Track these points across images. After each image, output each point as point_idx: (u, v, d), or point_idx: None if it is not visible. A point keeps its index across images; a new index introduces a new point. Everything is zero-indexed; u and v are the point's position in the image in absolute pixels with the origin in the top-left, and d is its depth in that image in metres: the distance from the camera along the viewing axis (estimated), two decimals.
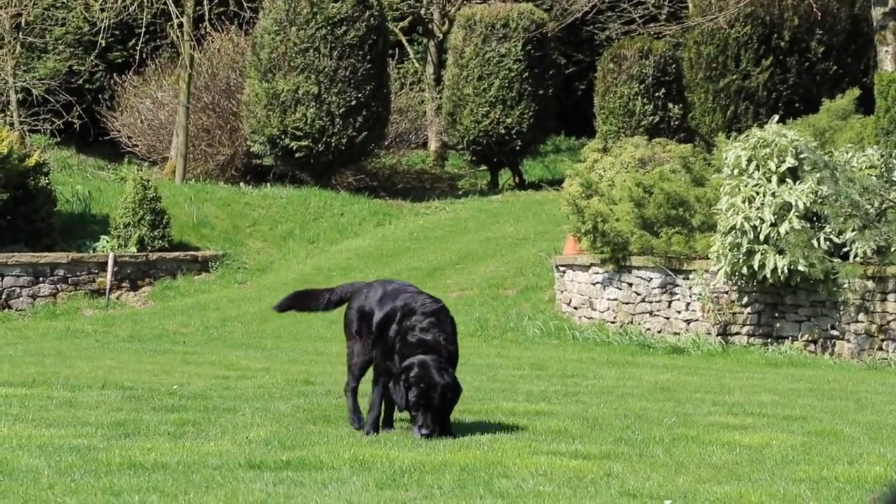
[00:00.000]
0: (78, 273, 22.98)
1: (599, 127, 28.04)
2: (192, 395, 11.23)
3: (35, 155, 23.83)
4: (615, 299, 18.66)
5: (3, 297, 22.47)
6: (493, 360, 15.26)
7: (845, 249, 16.84)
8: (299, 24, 27.91)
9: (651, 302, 18.30)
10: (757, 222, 16.86)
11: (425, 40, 35.12)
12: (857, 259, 16.69)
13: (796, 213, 16.75)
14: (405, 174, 32.01)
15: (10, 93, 30.10)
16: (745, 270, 17.02)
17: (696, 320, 17.90)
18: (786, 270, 16.71)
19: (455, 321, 9.54)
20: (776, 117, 18.56)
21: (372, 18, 28.16)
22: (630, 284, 18.52)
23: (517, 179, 30.69)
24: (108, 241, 23.70)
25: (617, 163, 20.84)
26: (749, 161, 17.18)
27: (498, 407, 10.68)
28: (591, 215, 18.47)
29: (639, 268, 18.37)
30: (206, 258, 24.28)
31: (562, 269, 19.63)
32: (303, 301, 10.32)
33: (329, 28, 27.83)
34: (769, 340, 17.38)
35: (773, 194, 16.91)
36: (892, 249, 16.68)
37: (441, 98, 31.59)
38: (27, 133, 29.70)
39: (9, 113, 29.44)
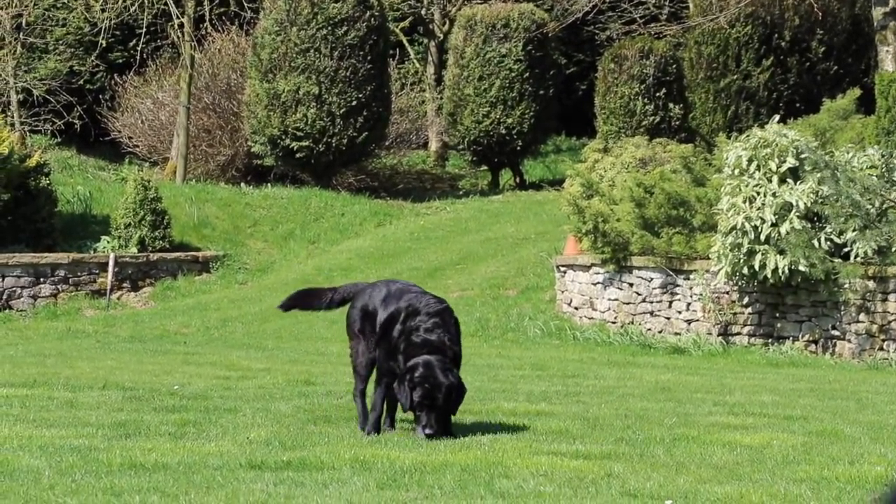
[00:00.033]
0: (79, 273, 22.98)
1: (600, 127, 28.04)
2: (193, 395, 11.23)
3: (36, 155, 23.84)
4: (616, 299, 18.66)
5: (4, 297, 22.48)
6: (493, 361, 15.26)
7: (846, 249, 16.84)
8: (300, 24, 27.92)
9: (652, 302, 18.30)
10: (758, 222, 16.85)
11: (426, 40, 35.12)
12: (858, 259, 16.69)
13: (797, 214, 16.75)
14: (406, 174, 32.01)
15: (10, 93, 30.11)
16: (745, 270, 17.02)
17: (697, 320, 17.90)
18: (786, 270, 16.71)
19: (459, 322, 9.53)
20: (777, 117, 18.57)
21: (372, 19, 28.17)
22: (631, 284, 18.52)
23: (518, 180, 30.69)
24: (108, 242, 23.70)
25: (618, 163, 20.84)
26: (750, 161, 17.18)
27: (499, 407, 10.68)
28: (591, 215, 18.47)
29: (639, 268, 18.37)
30: (207, 258, 24.29)
31: (562, 269, 19.63)
32: (306, 300, 10.27)
33: (330, 28, 27.84)
34: (770, 340, 17.38)
35: (774, 194, 16.91)
36: (893, 249, 16.68)
37: (442, 98, 31.59)
38: (28, 133, 29.71)
39: (10, 113, 29.44)
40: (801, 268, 16.64)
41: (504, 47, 29.54)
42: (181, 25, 29.21)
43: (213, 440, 8.87)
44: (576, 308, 19.24)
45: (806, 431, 9.75)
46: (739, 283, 17.44)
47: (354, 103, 27.82)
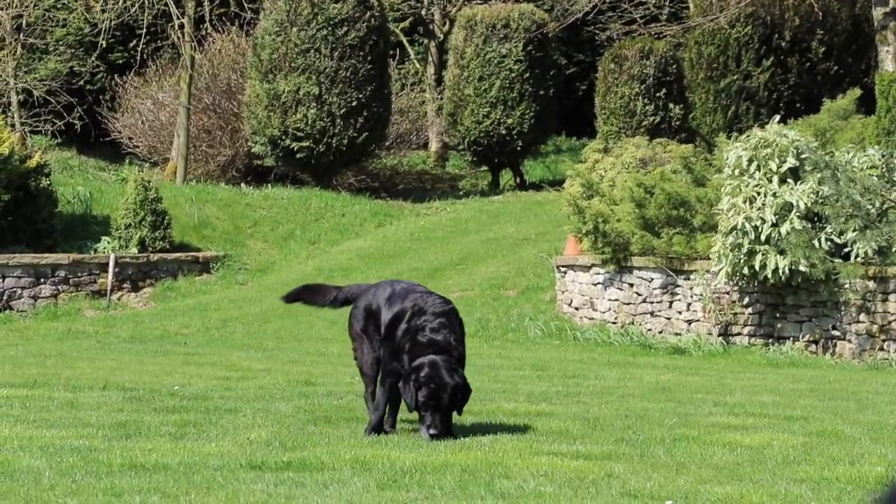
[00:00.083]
0: (79, 274, 22.98)
1: (600, 127, 28.04)
2: (194, 395, 11.23)
3: (36, 156, 23.84)
4: (616, 300, 18.67)
5: (5, 298, 22.48)
6: (494, 361, 15.26)
7: (846, 250, 16.84)
8: (300, 24, 27.92)
9: (652, 302, 18.30)
10: (758, 222, 16.86)
11: (426, 41, 35.13)
12: (859, 259, 16.69)
13: (797, 214, 16.75)
14: (406, 175, 32.01)
15: (11, 94, 30.12)
16: (746, 271, 17.02)
17: (698, 321, 17.90)
18: (787, 271, 16.71)
19: (463, 322, 9.52)
20: (777, 117, 18.57)
21: (373, 19, 28.17)
22: (631, 285, 18.52)
23: (518, 180, 30.69)
24: (109, 242, 23.70)
25: (618, 163, 20.84)
26: (750, 161, 17.18)
27: (499, 407, 10.68)
28: (592, 216, 18.47)
29: (640, 268, 18.38)
30: (207, 259, 24.29)
31: (563, 269, 19.63)
32: (311, 295, 10.19)
33: (330, 29, 27.84)
34: (770, 341, 17.38)
35: (775, 194, 16.91)
36: (894, 250, 16.68)
37: (442, 98, 31.59)
38: (28, 134, 29.71)
39: (10, 114, 29.45)
40: (802, 268, 16.64)
41: (504, 47, 29.54)
42: (181, 26, 29.22)
43: (214, 441, 8.87)
44: (576, 308, 19.25)
45: (806, 432, 9.75)
46: (740, 284, 17.44)
47: (355, 104, 27.83)
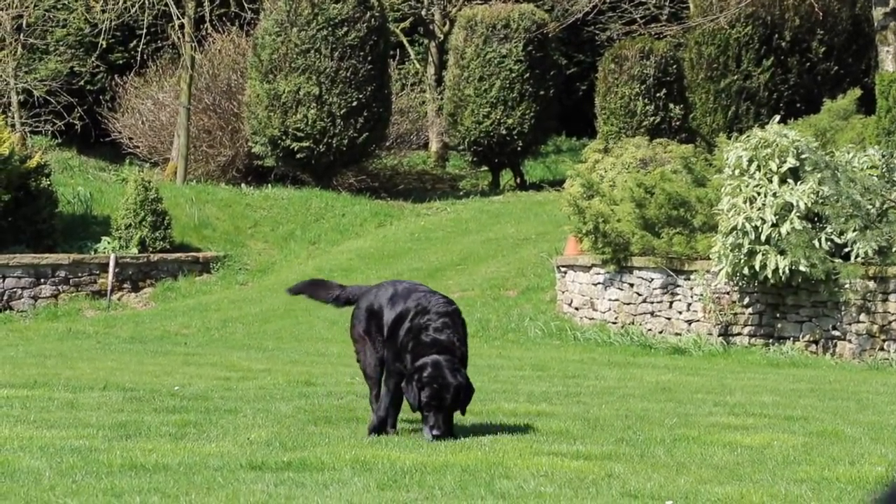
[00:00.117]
0: (79, 274, 22.98)
1: (600, 127, 28.03)
2: (194, 396, 11.23)
3: (36, 156, 23.83)
4: (616, 300, 18.67)
5: (5, 298, 22.48)
6: (494, 361, 15.26)
7: (846, 250, 16.84)
8: (300, 24, 27.92)
9: (652, 302, 18.30)
10: (758, 223, 16.86)
11: (426, 41, 35.13)
12: (859, 259, 16.69)
13: (797, 214, 16.75)
14: (406, 175, 32.01)
15: (11, 94, 30.12)
16: (746, 271, 17.02)
17: (698, 321, 17.90)
18: (787, 271, 16.71)
19: (466, 323, 9.51)
20: (777, 118, 18.57)
21: (373, 19, 28.17)
22: (631, 285, 18.52)
23: (518, 180, 30.70)
24: (109, 243, 23.70)
25: (618, 163, 20.84)
26: (750, 161, 17.18)
27: (499, 408, 10.68)
28: (592, 216, 18.47)
29: (640, 268, 18.38)
30: (208, 259, 24.29)
31: (563, 269, 19.63)
32: (316, 290, 10.13)
33: (330, 29, 27.84)
34: (770, 341, 17.38)
35: (775, 195, 16.91)
36: (894, 250, 16.68)
37: (442, 99, 31.59)
38: (28, 134, 29.71)
39: (10, 114, 29.45)
40: (802, 268, 16.64)
41: (504, 48, 29.54)
42: (181, 26, 29.22)
43: (214, 441, 8.87)
44: (576, 308, 19.25)
45: (806, 432, 9.75)
46: (740, 284, 17.44)
47: (355, 104, 27.83)
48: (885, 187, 17.11)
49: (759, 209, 16.91)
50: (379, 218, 26.92)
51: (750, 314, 17.56)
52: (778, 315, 17.44)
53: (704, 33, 28.73)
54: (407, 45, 34.47)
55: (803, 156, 17.07)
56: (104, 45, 30.23)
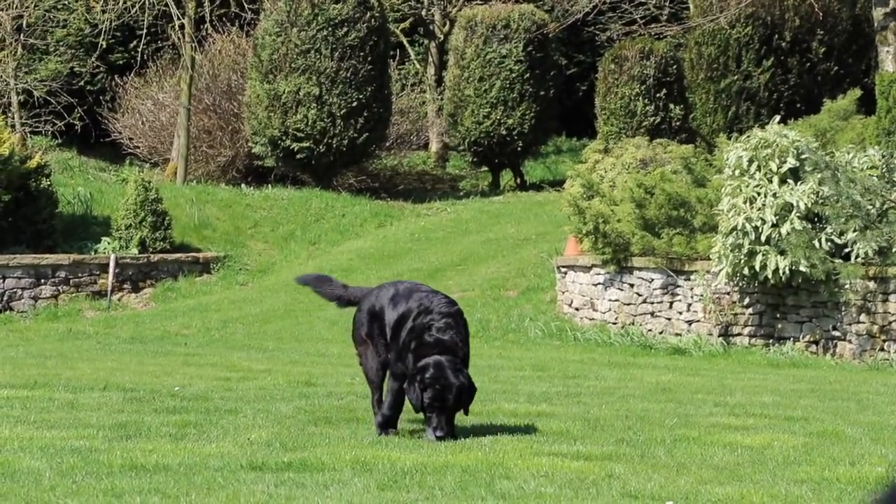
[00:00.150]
0: (79, 275, 22.98)
1: (600, 128, 28.03)
2: (194, 396, 11.23)
3: (36, 157, 23.83)
4: (616, 300, 18.67)
5: (5, 298, 22.48)
6: (494, 362, 15.26)
7: (847, 250, 16.84)
8: (300, 25, 27.92)
9: (652, 303, 18.30)
10: (758, 223, 16.86)
11: (426, 41, 35.13)
12: (859, 260, 16.69)
13: (797, 214, 16.75)
14: (406, 175, 32.01)
15: (11, 94, 30.12)
16: (746, 271, 17.03)
17: (698, 321, 17.90)
18: (787, 271, 16.71)
19: (467, 323, 9.50)
20: (777, 118, 18.57)
21: (373, 20, 28.17)
22: (631, 285, 18.52)
23: (518, 180, 30.70)
24: (109, 243, 23.70)
25: (618, 164, 20.84)
26: (750, 162, 17.18)
27: (499, 408, 10.68)
28: (592, 216, 18.47)
29: (640, 269, 18.38)
30: (208, 259, 24.29)
31: (563, 270, 19.63)
32: (321, 285, 10.08)
33: (330, 29, 27.84)
34: (770, 341, 17.38)
35: (775, 195, 16.91)
36: (894, 250, 16.68)
37: (442, 99, 31.59)
38: (29, 135, 29.71)
39: (10, 115, 29.45)
40: (802, 268, 16.64)
41: (504, 48, 29.54)
42: (182, 26, 29.22)
43: (214, 441, 8.87)
44: (576, 309, 19.25)
45: (807, 432, 9.75)
46: (740, 284, 17.44)
47: (355, 104, 27.83)
48: (885, 188, 17.11)
49: (760, 209, 16.91)
50: (379, 218, 26.93)
51: (750, 314, 17.56)
52: (778, 315, 17.45)
53: (704, 33, 28.73)
54: (407, 45, 34.47)
55: (803, 156, 17.07)
56: (104, 46, 30.23)
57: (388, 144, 30.46)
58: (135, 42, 31.25)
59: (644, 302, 18.37)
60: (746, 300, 17.55)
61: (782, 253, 16.79)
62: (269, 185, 28.57)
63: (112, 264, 23.00)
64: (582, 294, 19.17)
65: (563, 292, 19.62)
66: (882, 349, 16.84)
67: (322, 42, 27.82)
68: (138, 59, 31.02)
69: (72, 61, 32.13)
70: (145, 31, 29.68)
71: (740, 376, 14.38)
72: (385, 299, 9.34)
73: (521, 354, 16.74)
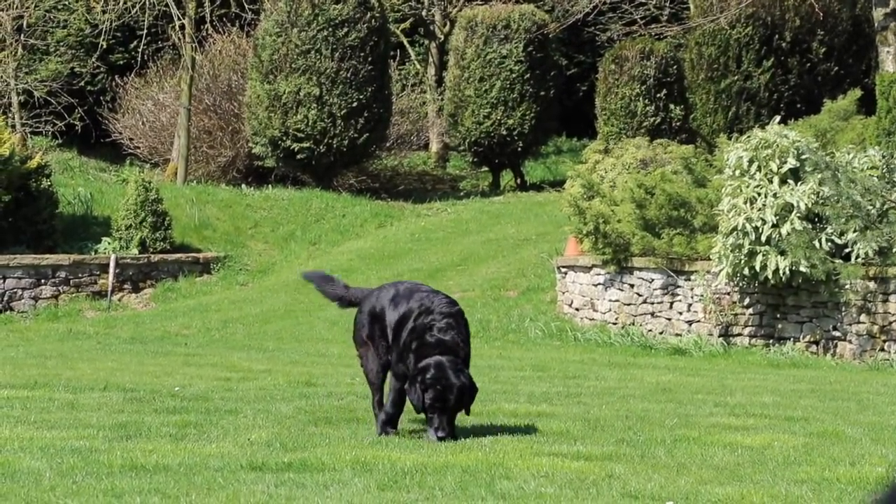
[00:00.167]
0: (80, 275, 22.98)
1: (601, 128, 28.03)
2: (194, 396, 11.23)
3: (37, 157, 23.83)
4: (617, 300, 18.67)
5: (5, 299, 22.48)
6: (494, 362, 15.26)
7: (847, 250, 16.84)
8: (301, 25, 27.92)
9: (653, 303, 18.30)
10: (758, 223, 16.86)
11: (427, 41, 35.13)
12: (859, 260, 16.69)
13: (798, 214, 16.75)
14: (407, 175, 32.01)
15: (11, 95, 30.12)
16: (746, 271, 17.03)
17: (698, 321, 17.90)
18: (787, 271, 16.71)
19: (468, 323, 9.50)
20: (777, 118, 18.58)
21: (373, 20, 28.17)
22: (632, 285, 18.52)
23: (519, 181, 30.70)
24: (109, 243, 23.70)
25: (618, 164, 20.84)
26: (750, 162, 17.18)
27: (500, 408, 10.68)
28: (592, 216, 18.47)
29: (640, 269, 18.38)
30: (208, 260, 24.29)
31: (563, 270, 19.63)
32: (324, 284, 10.08)
33: (330, 30, 27.84)
34: (771, 341, 17.38)
35: (775, 195, 16.91)
36: (894, 250, 16.68)
37: (442, 99, 31.59)
38: (29, 135, 29.71)
39: (11, 115, 29.45)
40: (802, 269, 16.64)
41: (505, 48, 29.54)
42: (182, 27, 29.22)
43: (214, 441, 8.87)
44: (577, 309, 19.25)
45: (807, 432, 9.75)
46: (740, 284, 17.44)
47: (355, 104, 27.83)
48: (886, 188, 17.11)
49: (760, 210, 16.91)
50: (379, 218, 26.93)
51: (750, 315, 17.56)
52: (778, 316, 17.44)
53: (705, 34, 28.73)
54: (407, 45, 34.47)
55: (804, 156, 17.07)
56: (105, 46, 30.23)
57: (388, 145, 30.46)
58: (135, 42, 31.24)
59: (644, 302, 18.37)
60: (747, 300, 17.55)
61: (782, 253, 16.79)
62: (270, 186, 28.57)
63: (112, 264, 23.00)
64: (582, 294, 19.18)
65: (564, 292, 19.62)
66: (882, 349, 16.84)
67: (322, 42, 27.82)
68: (139, 59, 31.02)
69: (72, 62, 32.13)
70: (146, 31, 29.68)
71: (740, 376, 14.38)
72: (385, 300, 9.35)
73: (522, 355, 16.74)
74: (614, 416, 10.40)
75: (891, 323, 16.83)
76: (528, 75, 29.54)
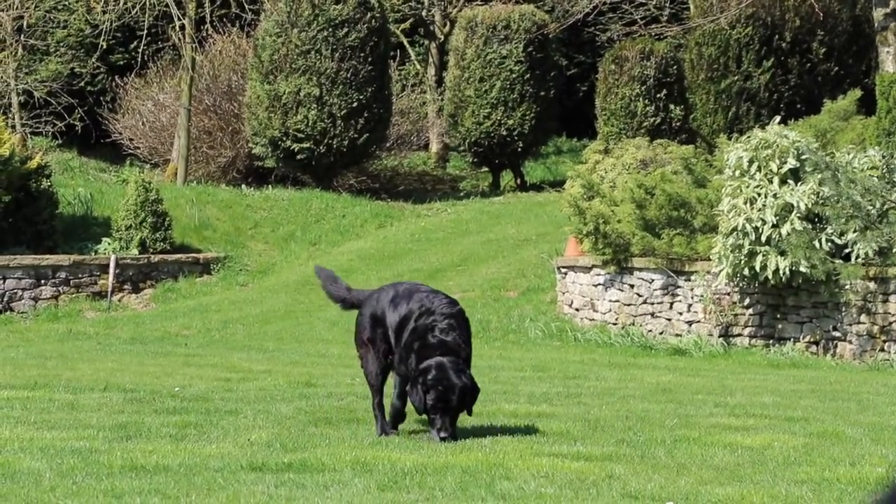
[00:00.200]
0: (80, 275, 22.98)
1: (601, 128, 28.03)
2: (194, 397, 11.23)
3: (37, 157, 23.83)
4: (617, 301, 18.66)
5: (5, 299, 22.48)
6: (494, 362, 15.26)
7: (847, 251, 16.84)
8: (301, 25, 27.92)
9: (653, 303, 18.30)
10: (758, 223, 16.86)
11: (427, 42, 35.13)
12: (859, 260, 16.69)
13: (798, 215, 16.75)
14: (407, 176, 32.01)
15: (11, 95, 30.12)
16: (746, 272, 17.03)
17: (698, 322, 17.90)
18: (787, 272, 16.71)
19: (469, 323, 9.50)
20: (777, 118, 18.57)
21: (373, 20, 28.17)
22: (632, 286, 18.52)
23: (519, 181, 30.70)
24: (109, 244, 23.70)
25: (618, 164, 20.84)
26: (750, 162, 17.18)
27: (500, 409, 10.68)
28: (592, 217, 18.47)
29: (640, 269, 18.38)
30: (208, 260, 24.29)
31: (563, 270, 19.63)
32: (329, 284, 10.06)
33: (330, 30, 27.84)
34: (771, 342, 17.38)
35: (775, 195, 16.91)
36: (894, 250, 16.68)
37: (442, 100, 31.59)
38: (29, 135, 29.70)
39: (11, 115, 29.45)
40: (802, 269, 16.64)
41: (505, 48, 29.54)
42: (182, 27, 29.22)
43: (214, 442, 8.87)
44: (577, 309, 19.25)
45: (807, 433, 9.75)
46: (740, 285, 17.44)
47: (355, 105, 27.83)
48: (886, 188, 17.11)
49: (760, 210, 16.91)
50: (379, 219, 26.93)
51: (750, 315, 17.56)
52: (778, 316, 17.44)
53: (705, 34, 28.73)
54: (407, 45, 34.47)
55: (804, 157, 17.07)
56: (105, 47, 30.23)
57: (388, 145, 30.46)
58: (135, 43, 31.24)
59: (644, 302, 18.37)
60: (747, 301, 17.55)
61: (782, 253, 16.79)
62: (270, 186, 28.57)
63: (112, 265, 23.00)
64: (582, 294, 19.18)
65: (564, 293, 19.62)
66: (882, 350, 16.84)
67: (322, 43, 27.82)
68: (139, 59, 31.01)
69: (72, 62, 32.13)
70: (146, 31, 29.68)
71: (740, 377, 14.38)
72: (385, 302, 9.35)
73: (522, 355, 16.74)
74: (614, 416, 10.40)
75: (891, 323, 16.83)
76: (528, 75, 29.54)
